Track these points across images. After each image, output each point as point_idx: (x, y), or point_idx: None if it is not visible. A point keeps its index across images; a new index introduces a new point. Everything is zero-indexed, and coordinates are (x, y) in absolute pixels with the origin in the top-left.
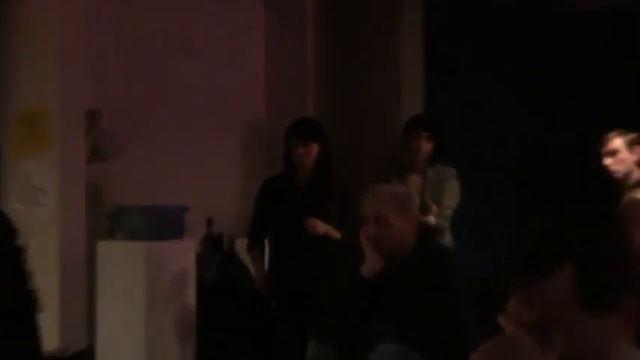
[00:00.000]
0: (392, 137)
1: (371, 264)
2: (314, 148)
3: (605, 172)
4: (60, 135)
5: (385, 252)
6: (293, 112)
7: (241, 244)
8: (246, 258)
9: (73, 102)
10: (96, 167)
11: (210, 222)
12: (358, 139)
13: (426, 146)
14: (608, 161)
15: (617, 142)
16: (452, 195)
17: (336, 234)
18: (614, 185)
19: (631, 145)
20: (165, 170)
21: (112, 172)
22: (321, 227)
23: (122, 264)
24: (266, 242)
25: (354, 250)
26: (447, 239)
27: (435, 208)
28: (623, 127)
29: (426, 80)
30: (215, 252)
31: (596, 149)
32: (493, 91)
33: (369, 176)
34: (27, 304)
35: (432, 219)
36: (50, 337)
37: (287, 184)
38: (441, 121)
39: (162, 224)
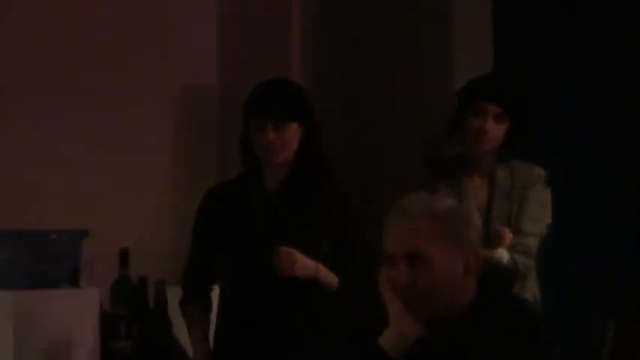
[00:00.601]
0: (433, 118)
1: (399, 331)
2: (292, 132)
3: None
4: None
5: (423, 310)
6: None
7: (175, 296)
8: (181, 321)
9: None
10: None
11: (124, 257)
12: (377, 124)
13: (495, 130)
14: None
15: None
16: (538, 213)
17: (329, 277)
18: None
19: None
20: (48, 172)
21: None
22: (302, 264)
23: None
24: (213, 295)
25: (366, 308)
26: (531, 288)
27: (509, 235)
28: None
29: (494, 25)
30: (133, 309)
31: None
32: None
33: (395, 184)
34: None
35: (503, 254)
36: None
37: (247, 194)
38: (519, 90)
39: (43, 261)
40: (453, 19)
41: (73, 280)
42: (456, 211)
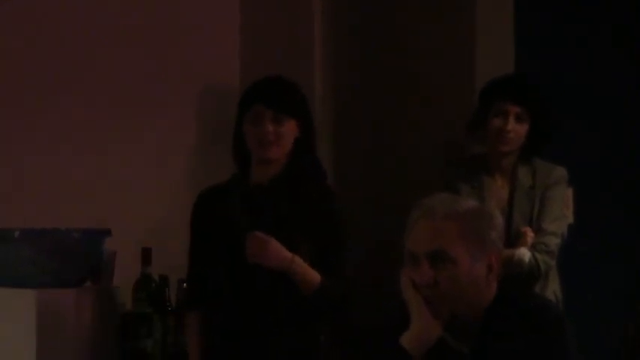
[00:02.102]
0: (456, 118)
1: (421, 331)
2: (290, 129)
3: None
4: None
5: (445, 310)
6: None
7: None
8: None
9: None
10: None
11: (146, 256)
12: (398, 125)
13: (517, 130)
14: None
15: None
16: (559, 212)
17: (307, 272)
18: None
19: None
20: (70, 171)
21: None
22: (275, 252)
23: None
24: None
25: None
26: (552, 287)
27: (530, 235)
28: None
29: (516, 24)
30: (154, 307)
31: None
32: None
33: (417, 184)
34: None
35: (524, 253)
36: None
37: (231, 190)
38: (541, 90)
39: (65, 260)
40: (474, 19)
41: (95, 279)
42: (479, 211)
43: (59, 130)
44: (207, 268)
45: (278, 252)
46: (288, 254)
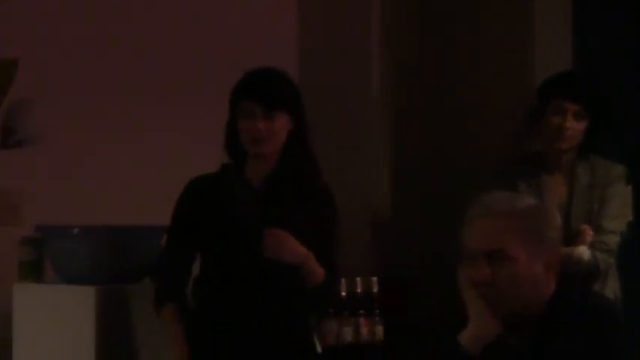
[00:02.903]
0: (513, 116)
1: (478, 329)
2: (281, 123)
3: None
4: None
5: (503, 308)
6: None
7: None
8: None
9: None
10: (9, 162)
11: None
12: (457, 122)
13: (575, 128)
14: None
15: None
16: (619, 210)
17: (316, 269)
18: None
19: None
20: (131, 168)
21: (32, 170)
22: (291, 248)
23: (54, 322)
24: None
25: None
26: (611, 286)
27: (589, 233)
28: None
29: (574, 21)
30: None
31: None
32: None
33: (474, 181)
34: None
35: (583, 252)
36: None
37: (230, 186)
38: (599, 87)
39: (125, 256)
40: (533, 16)
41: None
42: (537, 209)
43: (119, 129)
44: (185, 259)
45: (295, 248)
46: (304, 250)
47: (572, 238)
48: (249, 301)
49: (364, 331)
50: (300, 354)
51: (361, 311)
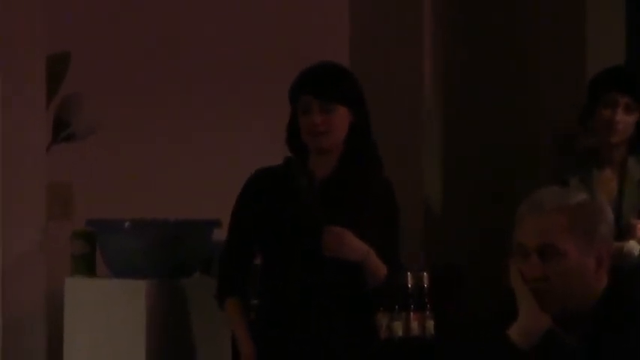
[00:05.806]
0: (565, 110)
1: (529, 324)
2: (340, 117)
3: None
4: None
5: (554, 304)
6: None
7: None
8: None
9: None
10: (61, 156)
11: None
12: (508, 115)
13: (626, 121)
14: None
15: None
16: None
17: (379, 266)
18: None
19: None
20: (181, 164)
21: (84, 164)
22: (352, 246)
23: (105, 316)
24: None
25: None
26: None
27: None
28: None
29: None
30: None
31: None
32: None
33: (526, 175)
34: None
35: (634, 246)
36: None
37: (295, 178)
38: None
39: (175, 250)
40: (585, 10)
41: (205, 269)
42: (589, 205)
43: (171, 124)
44: (247, 252)
45: (355, 245)
46: (365, 247)
47: (622, 232)
48: (308, 299)
49: (415, 325)
50: (362, 350)
51: (412, 306)
